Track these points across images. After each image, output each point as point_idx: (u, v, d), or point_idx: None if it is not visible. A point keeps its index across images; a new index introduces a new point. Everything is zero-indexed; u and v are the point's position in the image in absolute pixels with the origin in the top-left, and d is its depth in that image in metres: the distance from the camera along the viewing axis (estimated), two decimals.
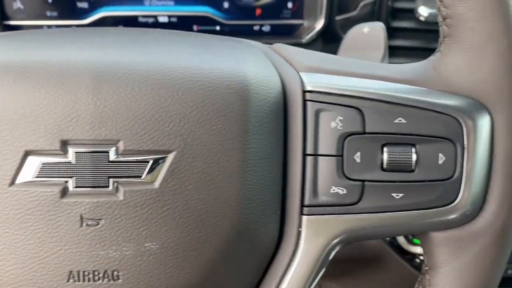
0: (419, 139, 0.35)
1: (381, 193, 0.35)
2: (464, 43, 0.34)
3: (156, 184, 0.32)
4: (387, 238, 0.77)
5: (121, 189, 0.32)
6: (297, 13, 0.79)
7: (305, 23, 0.79)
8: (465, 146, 0.34)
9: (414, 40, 0.67)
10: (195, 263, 0.33)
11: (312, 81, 0.36)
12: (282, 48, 0.40)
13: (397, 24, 0.67)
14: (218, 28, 0.79)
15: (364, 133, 0.35)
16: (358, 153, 0.35)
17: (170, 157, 0.32)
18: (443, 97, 0.35)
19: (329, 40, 0.78)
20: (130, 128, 0.32)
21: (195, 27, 0.80)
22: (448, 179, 0.35)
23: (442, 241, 0.36)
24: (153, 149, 0.32)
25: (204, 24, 0.79)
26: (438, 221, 0.36)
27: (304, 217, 0.36)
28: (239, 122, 0.33)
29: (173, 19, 0.79)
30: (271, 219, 0.36)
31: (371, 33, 0.44)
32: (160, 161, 0.32)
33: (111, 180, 0.32)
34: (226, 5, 0.78)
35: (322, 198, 0.36)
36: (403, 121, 0.35)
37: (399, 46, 0.68)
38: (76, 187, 0.32)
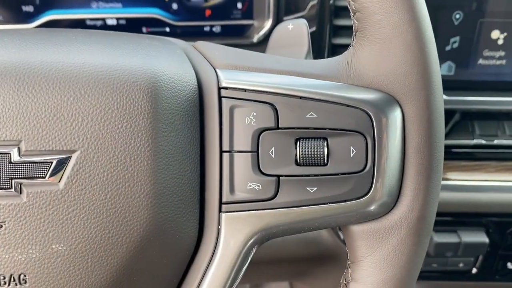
0: (330, 133, 0.35)
1: (296, 188, 0.35)
2: (373, 37, 0.35)
3: (61, 184, 0.32)
4: (342, 237, 0.77)
5: (25, 190, 0.31)
6: (247, 13, 0.79)
7: (255, 23, 0.79)
8: (376, 139, 0.34)
9: None
10: (105, 264, 0.33)
11: (228, 78, 0.36)
12: (203, 45, 0.40)
13: (340, 22, 0.67)
14: (167, 29, 0.79)
15: (278, 128, 0.35)
16: (273, 149, 0.35)
17: (74, 157, 0.31)
18: (354, 91, 0.35)
19: None
20: (32, 128, 0.31)
21: (144, 29, 0.79)
22: (360, 171, 0.35)
23: (360, 234, 0.37)
24: (56, 149, 0.31)
25: (153, 26, 0.79)
26: (355, 214, 0.36)
27: (223, 214, 0.36)
28: (147, 119, 0.33)
29: (122, 22, 0.78)
30: (189, 217, 0.36)
31: (295, 30, 0.44)
32: (64, 161, 0.31)
33: (13, 181, 0.31)
34: (175, 6, 0.78)
35: (239, 195, 0.35)
36: (315, 115, 0.35)
37: (343, 44, 0.68)
38: None
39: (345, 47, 0.69)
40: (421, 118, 0.34)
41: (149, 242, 0.34)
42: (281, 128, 0.35)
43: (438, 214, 0.76)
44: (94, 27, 0.78)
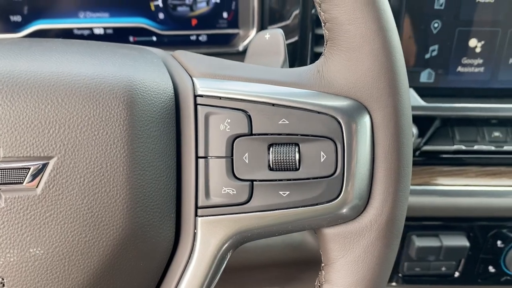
0: (302, 138, 0.36)
1: (269, 192, 0.36)
2: (342, 46, 0.36)
3: (38, 190, 0.32)
4: None
5: (2, 196, 0.32)
6: (232, 22, 0.81)
7: (241, 32, 0.81)
8: (345, 144, 0.36)
9: None
10: (83, 267, 0.34)
11: (204, 86, 0.37)
12: (181, 55, 0.41)
13: (322, 31, 0.68)
14: (154, 39, 0.80)
15: (252, 134, 0.36)
16: (247, 154, 0.36)
17: (51, 163, 0.32)
18: (325, 98, 0.36)
19: None
20: (10, 135, 0.32)
21: (131, 38, 0.80)
22: (330, 175, 0.36)
23: (333, 237, 0.38)
24: (34, 156, 0.32)
25: (140, 35, 0.80)
26: (326, 217, 0.37)
27: (199, 219, 0.37)
28: (122, 126, 0.34)
29: (109, 31, 0.79)
30: (165, 222, 0.37)
31: (271, 40, 0.45)
32: (42, 167, 0.32)
33: None
34: (161, 16, 0.79)
35: (214, 199, 0.37)
36: (287, 122, 0.36)
37: None
38: None
39: None
40: (388, 124, 0.36)
41: (125, 245, 0.35)
42: (254, 134, 0.36)
43: (420, 218, 0.77)
44: (81, 36, 0.79)
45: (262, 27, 0.78)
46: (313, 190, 0.36)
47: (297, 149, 0.36)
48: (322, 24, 0.37)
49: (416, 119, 0.70)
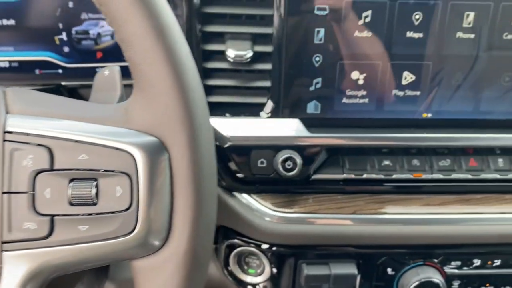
0: (100, 173, 0.37)
1: (69, 227, 0.37)
2: (142, 85, 0.38)
3: None
4: (225, 271, 0.78)
5: None
6: None
7: None
8: (139, 179, 0.37)
9: (227, 79, 0.71)
10: None
11: (14, 123, 0.39)
12: (10, 92, 0.42)
13: (210, 65, 0.70)
14: (60, 71, 0.82)
15: (53, 170, 0.38)
16: (48, 189, 0.38)
17: None
18: (124, 135, 0.38)
19: None
20: None
21: (37, 71, 0.82)
22: (125, 210, 0.37)
23: (139, 269, 0.39)
24: None
25: (46, 68, 0.82)
26: (127, 251, 0.38)
27: (4, 253, 0.38)
28: None
29: (14, 64, 0.81)
30: None
31: (109, 76, 0.47)
32: None
33: None
34: (66, 49, 0.81)
35: (16, 234, 0.37)
36: (86, 157, 0.37)
37: (214, 85, 0.71)
38: None
39: (218, 88, 0.72)
40: (183, 158, 0.37)
41: None
42: (56, 170, 0.38)
43: (311, 247, 0.78)
44: None
45: None
46: (110, 224, 0.37)
47: (95, 184, 0.37)
48: (128, 64, 0.39)
49: (302, 149, 0.72)
